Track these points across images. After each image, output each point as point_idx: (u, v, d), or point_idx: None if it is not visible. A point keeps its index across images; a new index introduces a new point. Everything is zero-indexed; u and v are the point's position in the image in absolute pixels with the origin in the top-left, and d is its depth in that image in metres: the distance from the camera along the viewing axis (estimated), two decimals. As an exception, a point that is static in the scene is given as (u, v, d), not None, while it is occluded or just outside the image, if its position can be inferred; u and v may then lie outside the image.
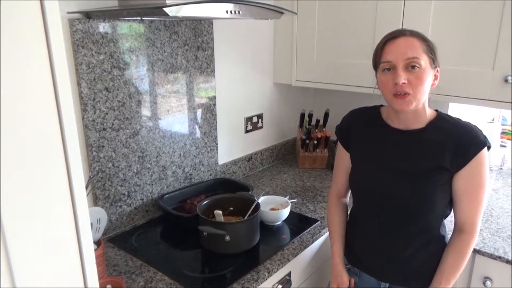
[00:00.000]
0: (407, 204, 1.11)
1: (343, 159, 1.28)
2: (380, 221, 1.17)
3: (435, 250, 1.15)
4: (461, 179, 1.08)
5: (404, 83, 1.03)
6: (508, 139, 2.14)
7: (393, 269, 1.18)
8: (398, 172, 1.12)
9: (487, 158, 1.07)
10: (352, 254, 1.27)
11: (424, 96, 1.07)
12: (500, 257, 1.31)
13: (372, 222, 1.19)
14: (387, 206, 1.14)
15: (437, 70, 1.10)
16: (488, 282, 1.35)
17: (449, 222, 1.19)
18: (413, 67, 1.03)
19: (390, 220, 1.15)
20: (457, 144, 1.06)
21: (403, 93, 1.04)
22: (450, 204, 1.13)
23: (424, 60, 1.03)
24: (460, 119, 1.12)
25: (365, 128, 1.22)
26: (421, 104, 1.09)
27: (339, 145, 1.30)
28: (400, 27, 1.59)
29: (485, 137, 1.07)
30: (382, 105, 1.23)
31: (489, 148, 1.07)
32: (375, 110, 1.23)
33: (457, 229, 1.13)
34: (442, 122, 1.11)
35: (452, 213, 1.16)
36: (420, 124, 1.12)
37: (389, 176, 1.13)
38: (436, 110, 1.15)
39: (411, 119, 1.12)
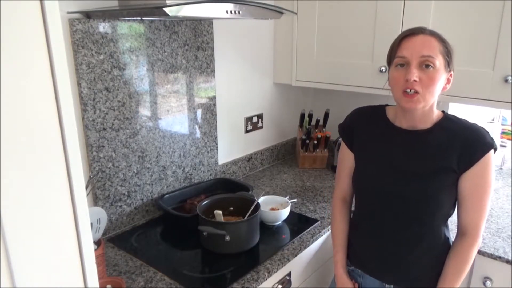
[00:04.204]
0: (413, 205, 1.10)
1: (347, 159, 1.26)
2: (384, 222, 1.16)
3: (439, 251, 1.14)
4: (467, 180, 1.07)
5: (415, 80, 1.01)
6: (508, 139, 2.14)
7: (398, 271, 1.17)
8: (404, 172, 1.11)
9: (494, 161, 1.07)
10: (355, 256, 1.26)
11: (434, 97, 1.05)
12: (500, 257, 1.31)
13: (376, 224, 1.18)
14: (392, 206, 1.13)
15: (451, 74, 1.08)
16: (488, 282, 1.35)
17: (453, 224, 1.18)
18: (427, 66, 1.01)
19: (395, 221, 1.14)
20: (464, 144, 1.05)
21: (412, 90, 1.02)
22: (454, 204, 1.12)
23: (439, 61, 1.02)
24: (467, 121, 1.10)
25: (370, 127, 1.20)
26: (429, 106, 1.07)
27: (342, 145, 1.28)
28: (400, 27, 1.59)
29: (492, 139, 1.06)
30: (387, 104, 1.22)
31: (495, 150, 1.06)
32: (381, 109, 1.21)
33: (460, 232, 1.12)
34: (448, 123, 1.10)
35: (455, 216, 1.14)
36: (426, 124, 1.11)
37: (394, 176, 1.12)
38: (443, 111, 1.14)
39: (418, 119, 1.10)
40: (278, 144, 2.23)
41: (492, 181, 1.07)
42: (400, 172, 1.12)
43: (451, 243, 1.16)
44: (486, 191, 1.07)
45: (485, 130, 1.07)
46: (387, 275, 1.19)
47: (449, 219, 1.16)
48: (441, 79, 1.04)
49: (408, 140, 1.12)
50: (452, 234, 1.18)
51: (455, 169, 1.06)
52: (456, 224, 1.14)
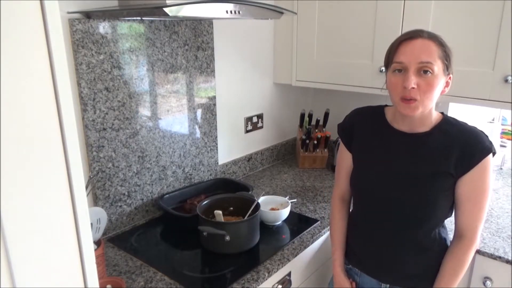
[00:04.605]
0: (410, 208, 1.10)
1: (345, 159, 1.26)
2: (381, 223, 1.16)
3: (436, 252, 1.14)
4: (464, 185, 1.06)
5: (413, 88, 1.00)
6: (508, 139, 2.14)
7: (394, 271, 1.18)
8: (402, 175, 1.11)
9: (492, 165, 1.06)
10: (353, 255, 1.26)
11: (432, 102, 1.05)
12: (500, 257, 1.31)
13: (374, 224, 1.18)
14: (389, 208, 1.13)
15: (450, 77, 1.07)
16: (488, 282, 1.35)
17: (450, 223, 1.18)
18: (425, 72, 1.00)
19: (392, 222, 1.14)
20: (462, 149, 1.05)
21: (410, 98, 1.01)
22: (452, 207, 1.12)
23: (437, 66, 1.00)
24: (466, 123, 1.10)
25: (369, 129, 1.20)
26: (428, 109, 1.07)
27: (341, 145, 1.28)
28: (400, 27, 1.59)
29: (490, 143, 1.05)
30: (386, 105, 1.22)
31: (494, 154, 1.06)
32: (380, 110, 1.20)
33: (457, 235, 1.12)
34: (447, 126, 1.09)
35: (453, 217, 1.14)
36: (425, 127, 1.10)
37: (392, 178, 1.12)
38: (442, 113, 1.13)
39: (417, 122, 1.10)
40: (278, 144, 2.23)
41: (490, 185, 1.06)
42: (398, 175, 1.12)
43: (448, 243, 1.16)
44: (483, 196, 1.07)
45: (484, 134, 1.07)
46: (384, 274, 1.20)
47: (447, 219, 1.15)
48: (440, 84, 1.03)
49: (406, 143, 1.12)
50: (450, 234, 1.18)
51: (452, 174, 1.06)
52: (454, 224, 1.14)
